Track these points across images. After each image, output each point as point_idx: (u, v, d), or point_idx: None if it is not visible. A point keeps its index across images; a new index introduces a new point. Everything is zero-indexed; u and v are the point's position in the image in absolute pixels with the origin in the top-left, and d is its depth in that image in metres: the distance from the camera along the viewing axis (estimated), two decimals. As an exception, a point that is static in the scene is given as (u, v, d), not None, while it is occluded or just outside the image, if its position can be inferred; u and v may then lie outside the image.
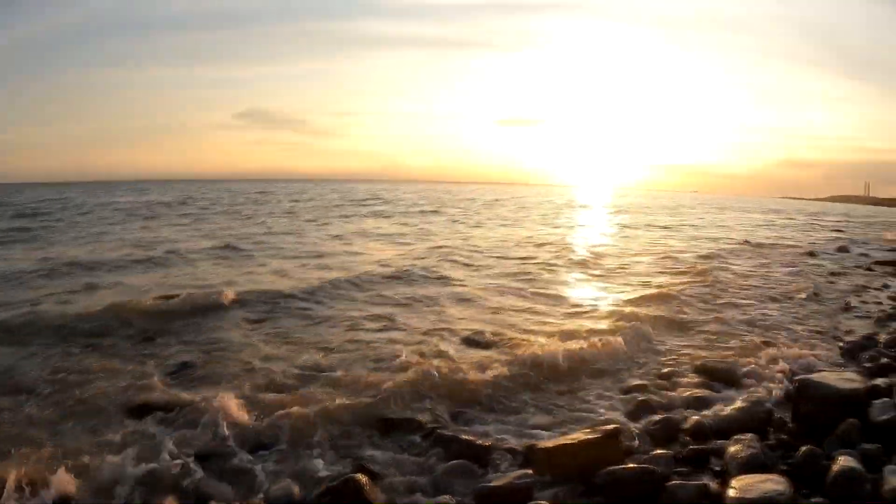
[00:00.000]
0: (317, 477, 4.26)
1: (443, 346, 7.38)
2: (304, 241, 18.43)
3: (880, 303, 10.93)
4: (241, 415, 5.11)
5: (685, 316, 9.45)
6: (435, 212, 36.20)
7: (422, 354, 6.98)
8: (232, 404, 5.18)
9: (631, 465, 4.23)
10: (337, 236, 19.95)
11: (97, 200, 41.26)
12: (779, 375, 6.53)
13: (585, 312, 9.67)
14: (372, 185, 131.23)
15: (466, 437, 4.85)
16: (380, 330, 8.16)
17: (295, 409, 5.24)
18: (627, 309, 9.71)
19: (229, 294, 9.45)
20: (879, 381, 5.99)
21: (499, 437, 4.96)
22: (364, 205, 41.58)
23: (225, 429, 4.83)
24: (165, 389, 5.75)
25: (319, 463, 4.49)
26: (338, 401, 5.46)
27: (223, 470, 4.37)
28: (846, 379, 5.50)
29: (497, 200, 58.97)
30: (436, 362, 6.58)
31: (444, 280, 12.06)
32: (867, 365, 6.98)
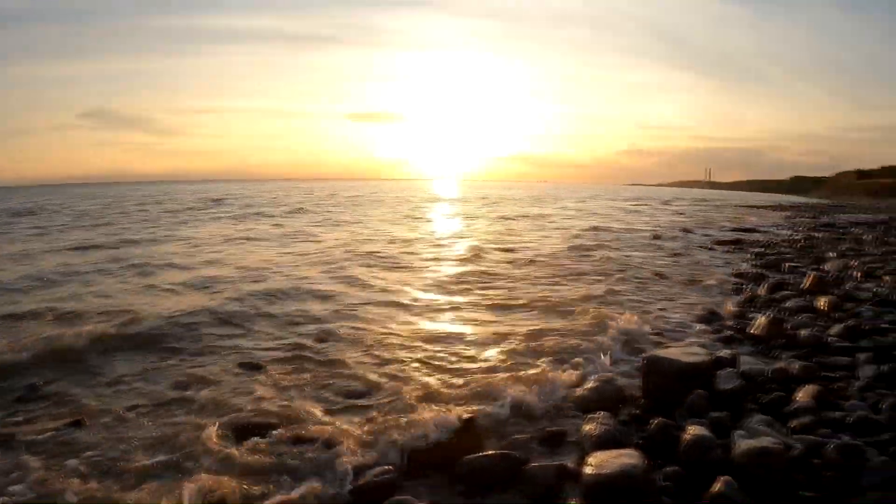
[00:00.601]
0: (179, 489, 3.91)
1: (306, 348, 7.07)
2: (173, 250, 16.38)
3: (723, 279, 11.60)
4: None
5: (542, 300, 9.61)
6: (300, 210, 35.26)
7: (289, 355, 6.78)
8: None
9: (489, 452, 4.21)
10: (205, 242, 17.98)
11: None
12: (627, 353, 6.76)
13: (454, 300, 9.73)
14: (226, 184, 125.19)
15: (327, 436, 4.65)
16: (241, 337, 7.64)
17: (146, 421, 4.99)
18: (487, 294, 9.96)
19: (91, 323, 7.98)
20: (724, 352, 6.35)
21: (359, 433, 4.78)
22: (224, 205, 39.90)
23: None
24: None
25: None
26: (196, 411, 5.19)
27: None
28: (691, 353, 5.75)
29: (359, 196, 58.63)
30: (300, 362, 6.50)
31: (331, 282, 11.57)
32: (712, 337, 7.39)
